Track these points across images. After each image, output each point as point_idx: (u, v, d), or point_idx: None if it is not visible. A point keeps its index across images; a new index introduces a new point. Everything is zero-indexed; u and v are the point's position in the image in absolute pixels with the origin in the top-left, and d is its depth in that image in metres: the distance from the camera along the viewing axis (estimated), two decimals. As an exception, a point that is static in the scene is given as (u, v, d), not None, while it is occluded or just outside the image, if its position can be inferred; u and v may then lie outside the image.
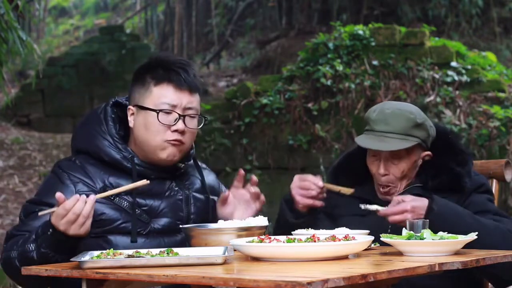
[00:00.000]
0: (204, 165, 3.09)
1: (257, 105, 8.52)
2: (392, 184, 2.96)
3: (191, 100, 2.84)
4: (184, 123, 2.81)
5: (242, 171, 2.91)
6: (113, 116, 2.91)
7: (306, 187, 2.89)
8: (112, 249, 2.42)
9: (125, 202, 2.78)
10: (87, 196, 2.64)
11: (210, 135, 8.64)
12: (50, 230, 2.62)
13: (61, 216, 2.59)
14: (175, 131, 2.81)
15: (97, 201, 2.68)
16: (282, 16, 14.84)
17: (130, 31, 18.42)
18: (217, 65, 16.82)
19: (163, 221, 2.83)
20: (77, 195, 2.61)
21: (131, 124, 2.86)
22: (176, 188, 2.89)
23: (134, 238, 2.76)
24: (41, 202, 2.79)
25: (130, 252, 2.37)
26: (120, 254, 2.35)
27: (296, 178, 2.95)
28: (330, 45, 8.47)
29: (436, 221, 2.64)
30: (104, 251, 2.38)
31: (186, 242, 2.69)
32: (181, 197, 2.88)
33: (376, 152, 2.95)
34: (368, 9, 13.04)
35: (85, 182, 2.79)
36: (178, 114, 2.80)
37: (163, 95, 2.81)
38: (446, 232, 2.48)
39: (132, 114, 2.86)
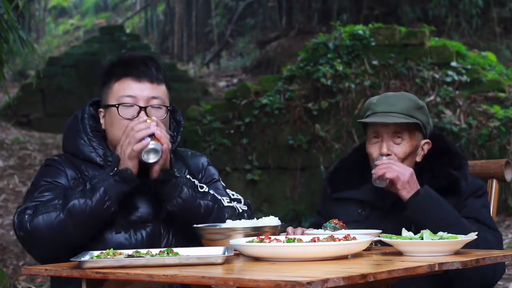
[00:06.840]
0: (192, 152, 3.06)
1: (257, 105, 8.52)
2: None
3: (153, 91, 2.82)
4: (147, 115, 2.79)
5: None
6: (93, 114, 2.92)
7: None
8: (112, 249, 2.42)
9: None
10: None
11: (210, 135, 8.64)
12: (116, 168, 2.65)
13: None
14: None
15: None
16: (282, 16, 14.85)
17: (130, 31, 18.44)
18: (217, 65, 16.83)
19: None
20: None
21: (103, 126, 2.88)
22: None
23: (118, 230, 2.77)
24: (40, 184, 2.81)
25: (130, 252, 2.36)
26: (120, 254, 2.35)
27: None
28: (330, 45, 8.47)
29: (417, 207, 2.78)
30: (104, 251, 2.38)
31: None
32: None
33: (378, 133, 2.94)
34: (368, 9, 13.04)
35: (72, 168, 2.83)
36: (139, 106, 2.79)
37: (122, 88, 2.81)
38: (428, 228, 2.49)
39: (103, 116, 2.88)
